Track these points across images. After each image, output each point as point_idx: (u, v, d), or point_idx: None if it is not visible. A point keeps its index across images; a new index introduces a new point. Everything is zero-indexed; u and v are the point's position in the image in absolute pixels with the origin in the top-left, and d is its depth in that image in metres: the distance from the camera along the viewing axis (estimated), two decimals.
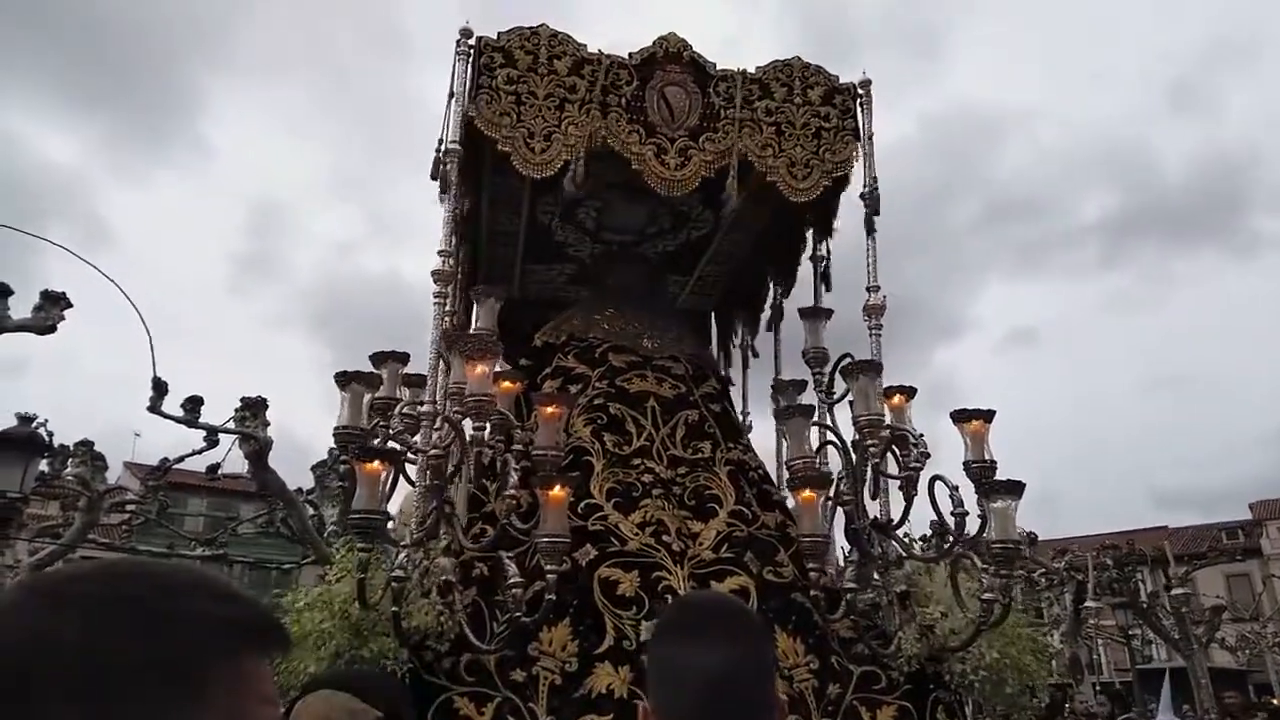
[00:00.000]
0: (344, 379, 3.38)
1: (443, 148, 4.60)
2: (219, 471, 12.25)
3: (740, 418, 5.78)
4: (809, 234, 5.51)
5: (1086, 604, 18.74)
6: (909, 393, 4.27)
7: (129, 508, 14.19)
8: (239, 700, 0.64)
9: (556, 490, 3.21)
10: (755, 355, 6.40)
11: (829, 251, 5.42)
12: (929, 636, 3.88)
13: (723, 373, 6.64)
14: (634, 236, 5.94)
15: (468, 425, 3.82)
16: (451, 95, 4.70)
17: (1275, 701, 15.40)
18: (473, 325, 4.65)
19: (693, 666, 1.27)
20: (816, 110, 5.02)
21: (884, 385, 4.31)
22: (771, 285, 6.14)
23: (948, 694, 3.93)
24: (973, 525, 3.73)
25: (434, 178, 4.65)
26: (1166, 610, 20.90)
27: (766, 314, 6.25)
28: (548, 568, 3.25)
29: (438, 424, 3.40)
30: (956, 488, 3.90)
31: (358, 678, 2.20)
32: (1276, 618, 26.15)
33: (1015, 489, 3.70)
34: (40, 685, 0.58)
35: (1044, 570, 20.85)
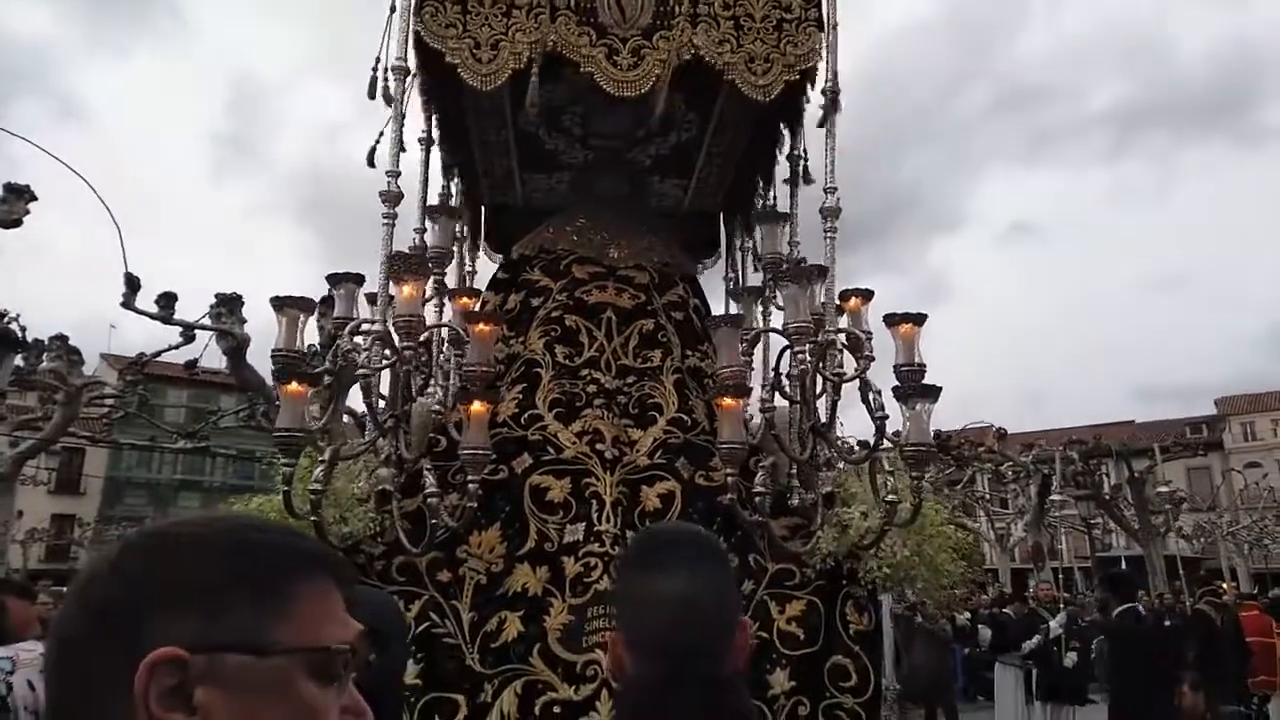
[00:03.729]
0: (279, 303, 3.51)
1: (381, 65, 4.54)
2: (198, 366, 12.36)
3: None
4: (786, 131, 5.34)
5: (1052, 496, 19.41)
6: (865, 296, 4.32)
7: (108, 402, 14.37)
8: (318, 616, 0.80)
9: (476, 406, 3.40)
10: (759, 258, 5.95)
11: (805, 150, 5.25)
12: (845, 535, 4.11)
13: (731, 275, 6.48)
14: (622, 141, 5.77)
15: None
16: (393, 9, 4.58)
17: (1223, 586, 16.30)
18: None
19: (657, 592, 1.39)
20: (777, 1, 4.79)
21: (840, 288, 4.35)
22: (760, 185, 5.95)
23: (859, 589, 4.17)
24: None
25: (371, 96, 4.60)
26: (1128, 502, 21.65)
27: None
28: (470, 478, 3.46)
29: (367, 344, 3.54)
30: (879, 392, 4.04)
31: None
32: (1232, 509, 27.10)
33: (930, 393, 3.86)
34: (159, 600, 0.74)
35: (1012, 463, 21.53)
